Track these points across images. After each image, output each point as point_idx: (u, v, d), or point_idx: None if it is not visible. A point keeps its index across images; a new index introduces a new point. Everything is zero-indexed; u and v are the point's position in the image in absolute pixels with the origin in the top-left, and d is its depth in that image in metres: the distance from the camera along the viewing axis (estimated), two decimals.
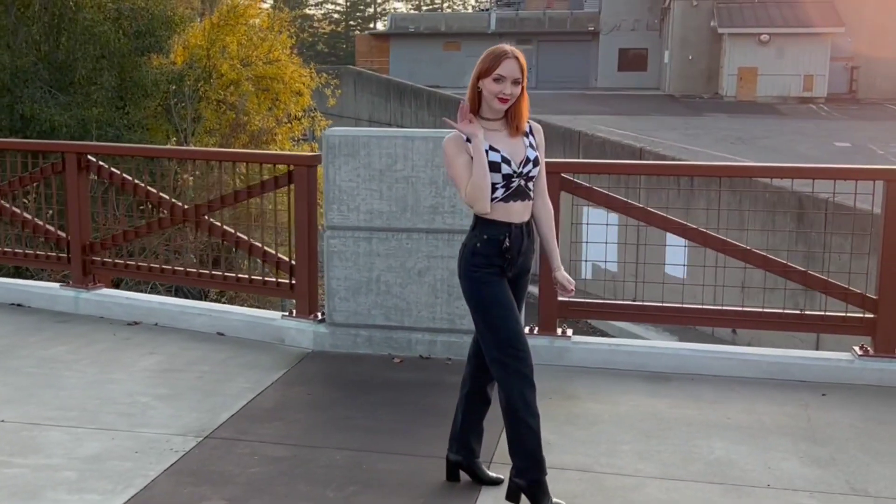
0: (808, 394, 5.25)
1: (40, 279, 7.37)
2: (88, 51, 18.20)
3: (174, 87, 19.02)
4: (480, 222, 3.70)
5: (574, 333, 5.83)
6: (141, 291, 12.06)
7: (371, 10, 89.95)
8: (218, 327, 6.15)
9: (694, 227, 5.75)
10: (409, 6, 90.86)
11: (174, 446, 4.32)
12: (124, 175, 6.43)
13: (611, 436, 4.60)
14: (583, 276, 17.49)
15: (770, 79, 39.18)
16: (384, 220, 5.69)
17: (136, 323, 6.33)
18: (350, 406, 4.93)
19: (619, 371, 5.60)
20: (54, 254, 6.76)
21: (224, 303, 14.58)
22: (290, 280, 5.99)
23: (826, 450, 4.48)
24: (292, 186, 5.88)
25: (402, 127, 33.33)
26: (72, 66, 18.27)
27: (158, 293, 11.73)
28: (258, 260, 6.14)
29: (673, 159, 19.02)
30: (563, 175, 5.73)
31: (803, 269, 5.61)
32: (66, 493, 3.81)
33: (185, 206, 6.25)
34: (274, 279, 6.12)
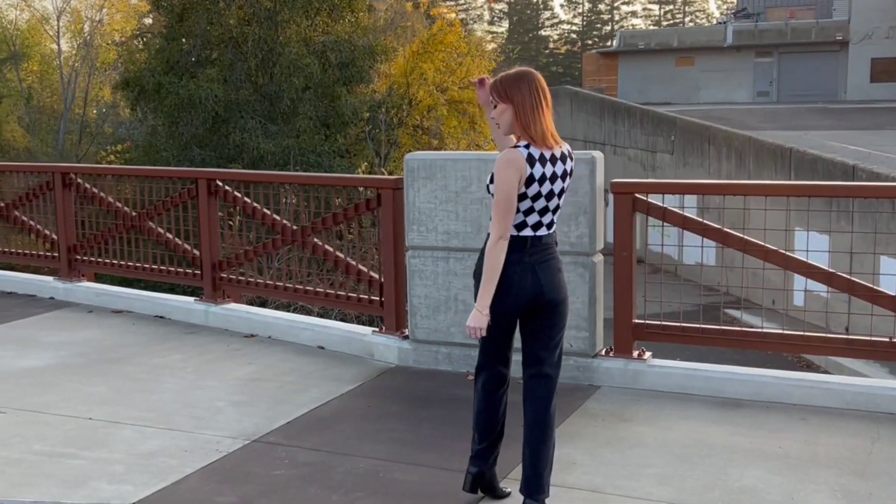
0: (888, 427, 4.93)
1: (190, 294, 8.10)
2: (293, 83, 19.58)
3: (369, 115, 20.04)
4: None
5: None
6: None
7: (608, 27, 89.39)
8: (320, 341, 6.57)
9: (774, 248, 5.55)
10: (649, 22, 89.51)
11: (221, 447, 4.73)
12: (245, 198, 7.02)
13: (642, 459, 4.56)
14: (794, 304, 16.69)
15: None
16: (460, 240, 5.89)
17: (252, 336, 6.87)
18: (400, 419, 5.17)
19: (692, 396, 5.48)
20: (190, 271, 7.47)
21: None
22: (380, 298, 6.32)
23: (868, 485, 4.23)
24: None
25: (615, 146, 33.11)
26: (280, 98, 19.73)
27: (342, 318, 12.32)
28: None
29: (887, 179, 17.74)
30: (636, 195, 5.71)
31: (892, 295, 5.27)
32: (107, 483, 4.30)
33: (294, 228, 6.74)
34: (367, 296, 6.47)
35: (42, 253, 8.55)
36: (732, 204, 5.66)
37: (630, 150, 32.32)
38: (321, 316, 10.65)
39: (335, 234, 6.64)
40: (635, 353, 5.78)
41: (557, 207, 3.86)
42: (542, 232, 3.82)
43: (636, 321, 5.79)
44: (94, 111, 42.57)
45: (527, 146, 3.74)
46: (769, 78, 49.73)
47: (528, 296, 3.78)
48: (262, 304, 11.62)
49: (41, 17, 45.09)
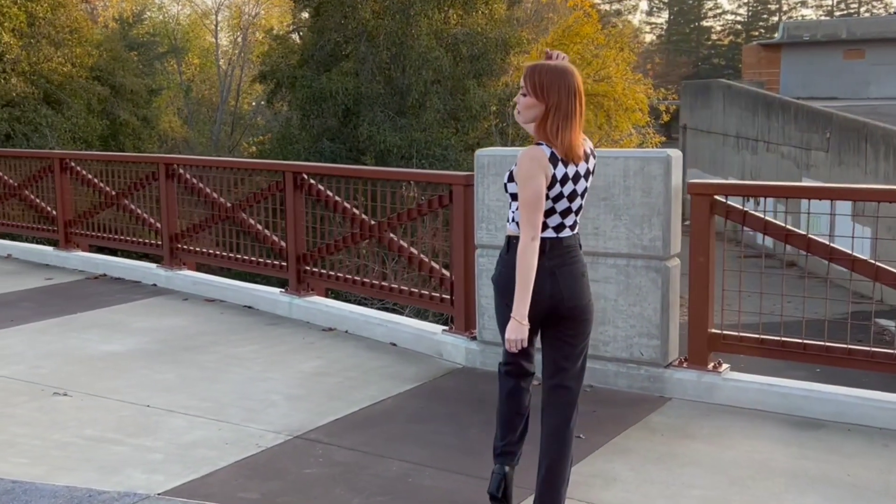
0: None
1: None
2: (422, 76, 19.59)
3: (496, 109, 19.83)
4: None
5: None
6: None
7: (775, 18, 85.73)
8: (392, 337, 6.51)
9: (864, 258, 5.11)
10: (820, 12, 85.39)
11: (262, 442, 4.72)
12: (327, 192, 7.04)
13: (691, 480, 4.28)
14: None
15: None
16: None
17: (330, 329, 6.88)
18: (449, 422, 5.04)
19: (768, 413, 5.12)
20: (277, 262, 7.55)
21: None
22: (451, 296, 6.20)
23: None
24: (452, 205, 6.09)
25: (768, 143, 31.70)
26: (410, 91, 19.80)
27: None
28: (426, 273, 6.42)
29: None
30: (715, 197, 5.37)
31: None
32: (141, 472, 4.34)
33: (371, 223, 6.70)
34: (438, 294, 6.36)
35: (148, 241, 8.86)
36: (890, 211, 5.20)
37: (783, 147, 30.89)
38: (436, 319, 10.58)
39: (410, 231, 6.56)
40: (710, 365, 5.46)
41: (580, 208, 3.64)
42: (565, 233, 3.61)
43: (712, 331, 5.46)
44: (252, 103, 44.18)
45: (548, 145, 3.54)
46: None
47: (546, 302, 3.57)
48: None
49: (202, 12, 47.14)
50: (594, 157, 3.69)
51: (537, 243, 3.49)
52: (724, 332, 5.47)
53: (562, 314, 3.62)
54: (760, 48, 52.98)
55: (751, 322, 5.44)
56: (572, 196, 3.57)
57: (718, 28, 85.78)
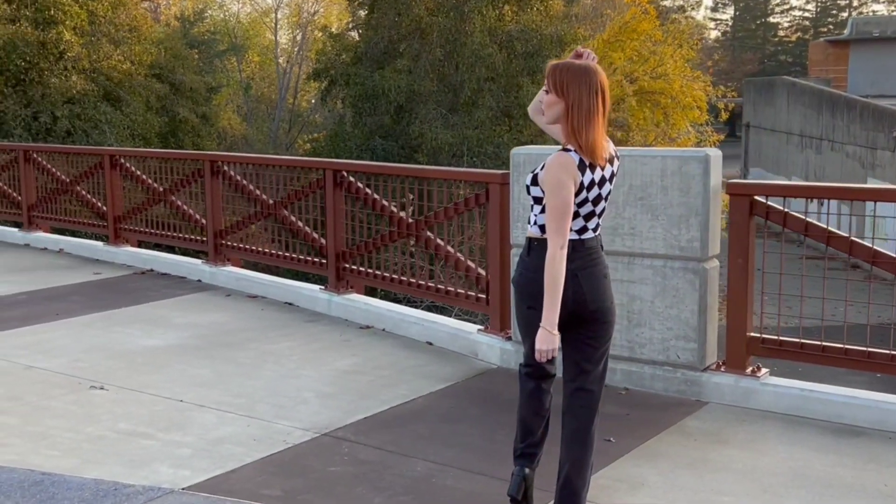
0: None
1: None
2: (475, 73, 19.49)
3: None
4: None
5: None
6: None
7: (844, 14, 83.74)
8: (428, 336, 6.48)
9: None
10: (893, 7, 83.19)
11: (289, 439, 4.73)
12: (366, 190, 7.04)
13: (721, 487, 4.18)
14: None
15: None
16: None
17: (368, 327, 6.88)
18: (477, 423, 4.99)
19: (807, 420, 4.99)
20: (317, 259, 7.58)
21: None
22: (486, 296, 6.16)
23: None
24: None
25: (833, 142, 30.98)
26: (463, 88, 19.72)
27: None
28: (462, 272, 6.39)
29: None
30: (754, 198, 5.24)
31: None
32: (168, 467, 4.38)
33: (409, 221, 6.69)
34: (474, 293, 6.32)
35: (194, 237, 8.95)
36: None
37: (848, 147, 30.21)
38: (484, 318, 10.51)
39: (446, 229, 6.53)
40: (749, 369, 5.33)
41: (603, 210, 3.58)
42: (587, 235, 3.56)
43: (751, 334, 5.33)
44: (311, 101, 44.48)
45: (576, 151, 3.48)
46: None
47: (569, 305, 3.50)
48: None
49: (262, 10, 47.62)
50: (618, 159, 3.63)
51: (566, 251, 3.43)
52: (764, 335, 5.35)
53: (584, 317, 3.56)
54: (828, 45, 51.79)
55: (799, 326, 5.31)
56: (597, 200, 3.52)
57: (786, 24, 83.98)
